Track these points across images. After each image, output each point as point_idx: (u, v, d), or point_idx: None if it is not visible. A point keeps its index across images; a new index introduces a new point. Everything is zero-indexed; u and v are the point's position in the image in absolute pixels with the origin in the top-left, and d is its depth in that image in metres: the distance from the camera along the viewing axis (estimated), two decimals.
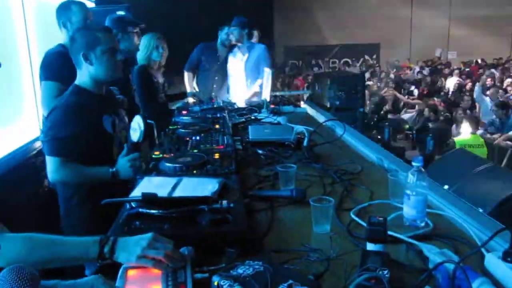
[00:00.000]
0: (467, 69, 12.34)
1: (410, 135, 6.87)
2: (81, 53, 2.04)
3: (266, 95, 3.94)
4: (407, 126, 7.28)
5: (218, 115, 3.08)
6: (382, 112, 8.05)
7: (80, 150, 1.97)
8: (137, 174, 1.88)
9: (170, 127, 2.78)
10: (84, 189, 2.09)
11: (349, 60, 14.63)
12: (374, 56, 14.68)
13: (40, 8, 3.72)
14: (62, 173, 1.97)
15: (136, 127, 2.10)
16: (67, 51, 2.73)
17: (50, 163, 1.96)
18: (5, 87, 3.18)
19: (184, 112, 3.31)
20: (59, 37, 2.87)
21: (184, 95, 4.18)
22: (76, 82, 2.11)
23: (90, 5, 4.69)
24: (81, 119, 1.99)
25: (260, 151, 2.32)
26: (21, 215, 2.63)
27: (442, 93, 9.78)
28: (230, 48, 4.82)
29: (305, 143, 2.33)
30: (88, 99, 2.05)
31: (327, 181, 1.91)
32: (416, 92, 10.11)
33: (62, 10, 2.88)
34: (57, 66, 2.67)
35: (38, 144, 3.38)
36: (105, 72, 2.06)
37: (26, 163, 3.18)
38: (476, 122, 5.87)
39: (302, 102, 4.06)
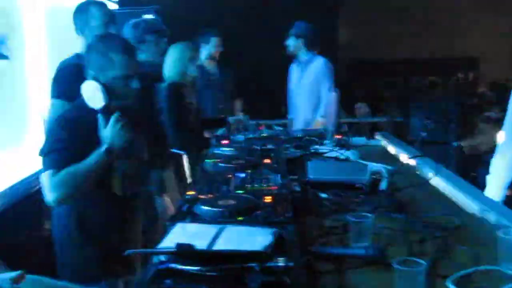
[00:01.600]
0: None
1: None
2: (91, 75, 2.26)
3: (330, 123, 3.95)
4: None
5: (269, 146, 3.11)
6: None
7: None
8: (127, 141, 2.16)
9: (207, 160, 2.83)
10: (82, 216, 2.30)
11: (438, 79, 14.41)
12: (471, 74, 14.43)
13: (54, 13, 3.94)
14: (57, 185, 2.13)
15: (93, 91, 2.22)
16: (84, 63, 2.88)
17: (44, 180, 2.15)
18: (8, 106, 3.36)
19: (224, 141, 3.37)
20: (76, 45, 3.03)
21: (223, 120, 4.26)
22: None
23: (113, 6, 4.93)
24: (77, 134, 2.22)
25: (323, 195, 2.32)
26: (18, 256, 2.76)
27: None
28: None
29: (383, 186, 2.31)
30: (89, 115, 2.25)
31: (414, 237, 1.87)
32: None
33: (79, 14, 3.03)
34: (71, 83, 2.80)
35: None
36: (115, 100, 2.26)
37: (28, 199, 3.32)
38: None
39: (377, 133, 4.03)
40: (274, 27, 5.21)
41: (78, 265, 2.33)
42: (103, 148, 2.19)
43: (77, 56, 2.95)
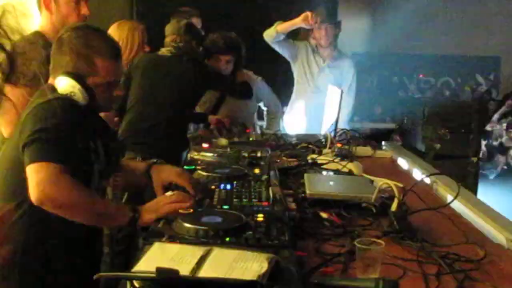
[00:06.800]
0: None
1: None
2: (66, 72, 2.23)
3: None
4: None
5: (259, 153, 3.13)
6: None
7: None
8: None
9: (185, 167, 2.84)
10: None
11: (451, 80, 14.54)
12: (491, 76, 14.61)
13: None
14: (61, 185, 2.02)
15: (71, 88, 2.20)
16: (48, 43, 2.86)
17: (42, 171, 2.02)
18: None
19: (205, 145, 3.37)
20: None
21: (203, 117, 4.26)
22: None
23: None
24: (80, 124, 2.18)
25: (323, 215, 2.33)
26: None
27: None
28: None
29: (393, 207, 2.32)
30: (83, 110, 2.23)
31: (431, 269, 1.89)
32: None
33: None
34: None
35: None
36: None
37: None
38: None
39: (383, 142, 4.06)
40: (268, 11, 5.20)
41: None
42: (132, 214, 2.10)
43: (38, 34, 2.92)
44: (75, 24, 2.59)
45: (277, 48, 5.04)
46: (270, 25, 4.97)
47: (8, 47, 2.77)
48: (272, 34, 4.91)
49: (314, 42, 5.14)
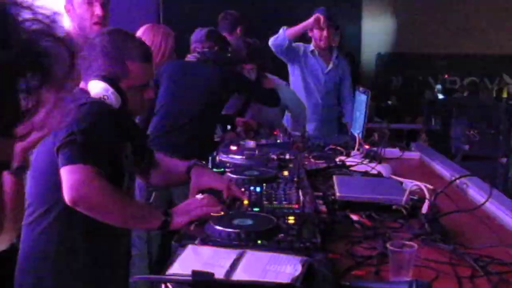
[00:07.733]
0: None
1: None
2: (99, 76, 2.26)
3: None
4: None
5: (287, 155, 3.13)
6: None
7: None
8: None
9: (214, 169, 2.85)
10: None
11: (477, 80, 14.42)
12: None
13: None
14: (95, 187, 2.06)
15: (104, 92, 2.24)
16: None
17: (77, 173, 2.06)
18: None
19: (233, 147, 3.38)
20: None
21: (230, 119, 4.27)
22: None
23: None
24: (113, 127, 2.23)
25: (354, 217, 2.34)
26: None
27: None
28: None
29: (425, 209, 2.31)
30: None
31: (464, 272, 1.88)
32: None
33: None
34: None
35: None
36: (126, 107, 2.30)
37: None
38: None
39: (413, 144, 4.05)
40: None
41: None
42: (163, 217, 2.11)
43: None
44: (106, 28, 2.62)
45: (278, 51, 5.05)
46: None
47: None
48: (283, 42, 4.94)
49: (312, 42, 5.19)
